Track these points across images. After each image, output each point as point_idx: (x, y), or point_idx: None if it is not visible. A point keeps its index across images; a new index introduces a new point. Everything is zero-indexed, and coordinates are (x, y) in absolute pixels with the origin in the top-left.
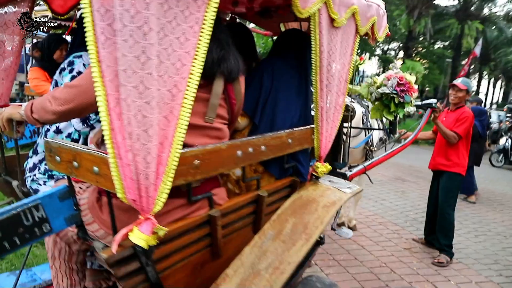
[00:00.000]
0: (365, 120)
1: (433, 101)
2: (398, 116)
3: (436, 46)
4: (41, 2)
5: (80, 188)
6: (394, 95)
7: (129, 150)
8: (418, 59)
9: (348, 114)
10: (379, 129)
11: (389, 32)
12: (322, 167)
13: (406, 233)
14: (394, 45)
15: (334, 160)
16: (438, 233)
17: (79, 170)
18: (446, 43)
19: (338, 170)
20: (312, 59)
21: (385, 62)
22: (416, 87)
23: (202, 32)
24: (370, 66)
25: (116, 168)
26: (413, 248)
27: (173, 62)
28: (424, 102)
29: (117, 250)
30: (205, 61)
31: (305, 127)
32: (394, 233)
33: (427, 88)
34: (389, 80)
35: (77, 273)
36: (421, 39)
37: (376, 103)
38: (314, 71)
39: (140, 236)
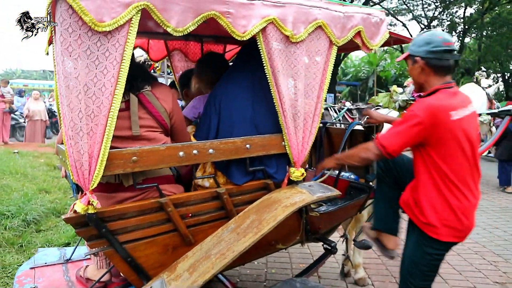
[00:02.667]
0: None
1: None
2: None
3: None
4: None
5: None
6: (412, 102)
7: (70, 146)
8: None
9: (373, 125)
10: None
11: (410, 38)
12: (297, 172)
13: (507, 266)
14: None
15: (366, 173)
16: None
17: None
18: None
19: (369, 182)
20: (266, 74)
21: None
22: None
23: (122, 64)
24: None
25: (67, 158)
26: (510, 284)
27: (100, 87)
28: (502, 109)
29: (73, 215)
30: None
31: (269, 135)
32: (489, 264)
33: None
34: (408, 86)
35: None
36: None
37: (400, 112)
38: (271, 84)
39: (79, 205)
